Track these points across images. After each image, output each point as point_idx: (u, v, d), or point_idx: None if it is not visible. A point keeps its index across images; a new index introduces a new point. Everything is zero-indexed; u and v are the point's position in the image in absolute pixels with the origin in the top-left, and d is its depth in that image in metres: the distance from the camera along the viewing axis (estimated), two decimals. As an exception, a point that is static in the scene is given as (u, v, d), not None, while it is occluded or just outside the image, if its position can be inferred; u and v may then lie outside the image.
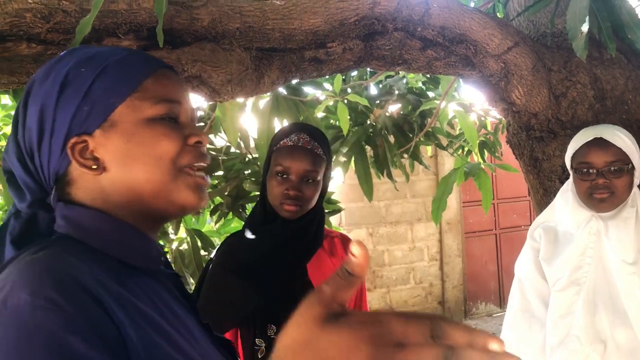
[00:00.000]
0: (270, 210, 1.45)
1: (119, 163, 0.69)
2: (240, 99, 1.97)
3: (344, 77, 2.53)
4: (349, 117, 2.41)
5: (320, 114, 2.38)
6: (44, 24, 1.15)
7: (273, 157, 1.46)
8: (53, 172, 0.70)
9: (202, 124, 2.24)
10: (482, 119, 3.05)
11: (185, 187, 0.72)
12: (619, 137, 1.52)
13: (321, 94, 2.40)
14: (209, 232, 2.45)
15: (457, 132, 3.10)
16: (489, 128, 3.13)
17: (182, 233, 2.31)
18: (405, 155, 2.73)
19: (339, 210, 2.52)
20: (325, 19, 1.42)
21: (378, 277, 5.51)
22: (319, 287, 0.51)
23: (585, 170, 1.53)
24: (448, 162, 5.43)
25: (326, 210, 1.74)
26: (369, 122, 2.62)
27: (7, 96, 2.19)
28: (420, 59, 1.60)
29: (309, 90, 2.38)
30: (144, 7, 1.22)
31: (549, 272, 1.61)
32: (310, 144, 1.44)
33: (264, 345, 1.38)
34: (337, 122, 2.48)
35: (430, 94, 2.81)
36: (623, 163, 1.51)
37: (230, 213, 2.34)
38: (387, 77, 2.76)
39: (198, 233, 2.25)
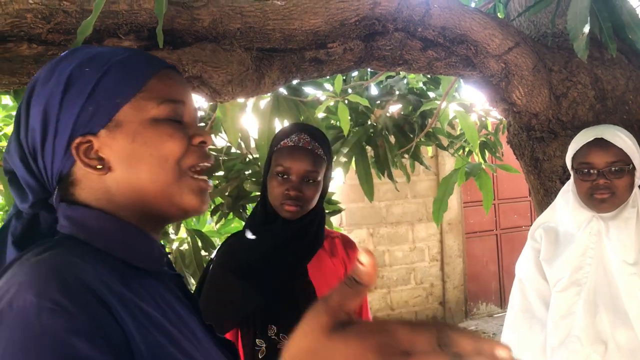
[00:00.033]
0: (271, 211, 1.45)
1: (124, 163, 0.69)
2: (240, 100, 1.97)
3: (344, 78, 2.53)
4: (349, 118, 2.41)
5: (320, 115, 2.38)
6: (44, 25, 1.16)
7: (274, 157, 1.46)
8: (56, 172, 0.69)
9: (202, 124, 2.24)
10: (483, 119, 3.05)
11: (189, 191, 0.72)
12: (620, 138, 1.52)
13: (322, 95, 2.40)
14: (210, 232, 2.46)
15: (458, 133, 3.10)
16: (489, 128, 3.13)
17: (183, 233, 2.32)
18: (406, 156, 2.73)
19: (339, 211, 2.52)
20: (325, 20, 1.42)
21: (379, 278, 5.51)
22: (326, 295, 0.51)
23: (586, 170, 1.53)
24: (449, 163, 5.43)
25: (326, 211, 1.74)
26: (369, 122, 2.62)
27: (7, 97, 2.19)
28: (421, 60, 1.60)
29: (309, 90, 2.38)
30: (144, 7, 1.22)
31: (549, 273, 1.61)
32: (311, 144, 1.44)
33: (264, 345, 1.38)
34: (338, 123, 2.48)
35: (431, 94, 2.81)
36: (624, 163, 1.51)
37: (231, 213, 2.34)
38: (388, 77, 2.76)
39: (198, 233, 2.25)
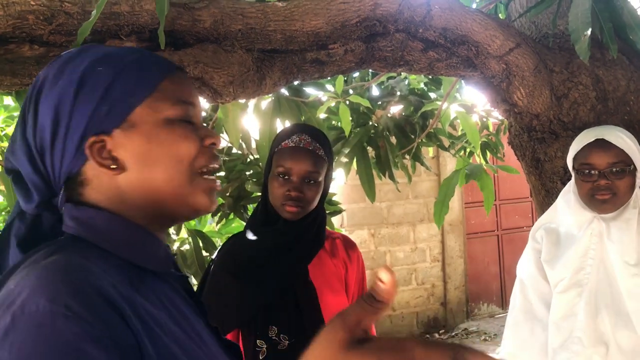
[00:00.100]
0: (272, 211, 1.45)
1: (138, 163, 0.69)
2: (242, 100, 1.97)
3: (345, 78, 2.53)
4: (350, 118, 2.41)
5: (322, 115, 2.38)
6: (46, 26, 1.16)
7: (274, 158, 1.46)
8: (65, 171, 0.68)
9: (204, 124, 2.23)
10: (484, 120, 3.05)
11: (201, 191, 0.72)
12: (621, 138, 1.52)
13: (323, 95, 2.40)
14: (211, 232, 2.46)
15: (459, 133, 3.10)
16: (490, 129, 3.13)
17: (184, 233, 2.32)
18: (407, 156, 2.73)
19: (339, 211, 2.52)
20: (326, 21, 1.42)
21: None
22: (344, 311, 0.51)
23: (587, 171, 1.53)
24: (450, 163, 5.43)
25: (327, 211, 1.75)
26: (370, 123, 2.62)
27: (9, 97, 2.20)
28: (422, 60, 1.60)
29: (311, 91, 2.38)
30: (146, 9, 1.22)
31: (550, 274, 1.61)
32: (312, 145, 1.44)
33: (265, 346, 1.38)
34: (339, 123, 2.48)
35: (432, 95, 2.81)
36: (625, 164, 1.51)
37: (232, 214, 2.34)
38: (389, 78, 2.76)
39: (199, 233, 2.26)
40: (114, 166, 0.68)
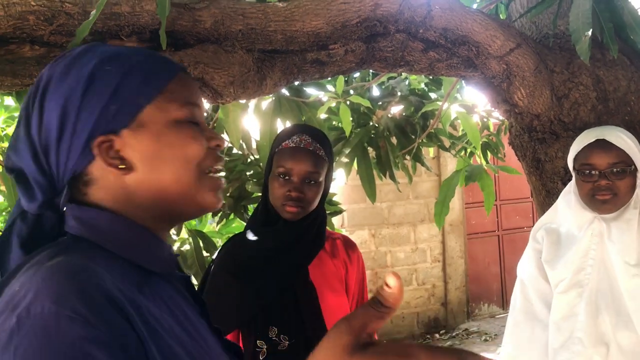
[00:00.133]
0: (272, 212, 1.45)
1: (147, 163, 0.69)
2: (242, 101, 1.97)
3: (346, 79, 2.53)
4: (351, 119, 2.41)
5: (322, 115, 2.38)
6: (47, 27, 1.16)
7: (275, 158, 1.46)
8: (70, 170, 0.68)
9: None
10: (485, 120, 3.05)
11: (208, 189, 0.73)
12: (622, 139, 1.52)
13: (323, 95, 2.40)
14: (211, 232, 2.46)
15: (460, 134, 3.10)
16: (491, 129, 3.13)
17: (184, 234, 2.32)
18: (408, 157, 2.73)
19: (340, 212, 2.52)
20: (327, 21, 1.42)
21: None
22: (349, 315, 0.51)
23: (588, 171, 1.53)
24: (451, 164, 5.43)
25: (327, 212, 1.75)
26: (371, 123, 2.62)
27: (10, 97, 2.20)
28: (422, 61, 1.60)
29: (311, 91, 2.38)
30: (146, 9, 1.22)
31: (551, 274, 1.61)
32: (312, 145, 1.44)
33: (265, 346, 1.38)
34: (340, 124, 2.48)
35: (433, 95, 2.81)
36: (625, 164, 1.51)
37: (232, 214, 2.34)
38: (390, 78, 2.76)
39: (200, 234, 2.26)
40: (122, 166, 0.68)
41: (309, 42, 1.44)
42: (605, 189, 1.51)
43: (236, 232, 1.65)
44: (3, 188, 2.04)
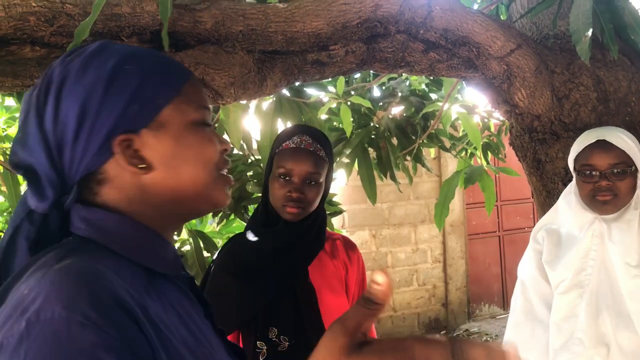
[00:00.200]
0: (272, 212, 1.46)
1: (166, 164, 0.69)
2: (243, 101, 1.97)
3: (346, 79, 2.53)
4: (352, 119, 2.41)
5: (323, 116, 2.38)
6: (47, 27, 1.16)
7: (275, 159, 1.46)
8: (84, 168, 0.67)
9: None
10: (486, 120, 3.05)
11: (221, 188, 0.75)
12: (622, 139, 1.52)
13: (324, 96, 2.40)
14: (211, 233, 2.46)
15: (460, 134, 3.10)
16: (492, 130, 3.13)
17: (184, 234, 2.32)
18: (408, 157, 2.73)
19: (340, 212, 2.52)
20: (327, 22, 1.42)
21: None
22: (342, 317, 0.51)
23: (588, 172, 1.53)
24: (451, 164, 5.43)
25: (327, 212, 1.75)
26: (372, 124, 2.62)
27: (9, 97, 2.20)
28: (423, 62, 1.60)
29: (312, 92, 2.38)
30: (147, 10, 1.22)
31: (551, 275, 1.61)
32: (313, 146, 1.44)
33: (265, 347, 1.38)
34: (340, 124, 2.48)
35: (433, 96, 2.81)
36: (626, 165, 1.51)
37: (233, 214, 2.34)
38: (390, 79, 2.76)
39: (200, 234, 2.25)
40: (142, 165, 0.68)
41: (309, 42, 1.44)
42: (606, 189, 1.51)
43: (236, 233, 1.65)
44: (4, 188, 2.03)
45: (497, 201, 5.60)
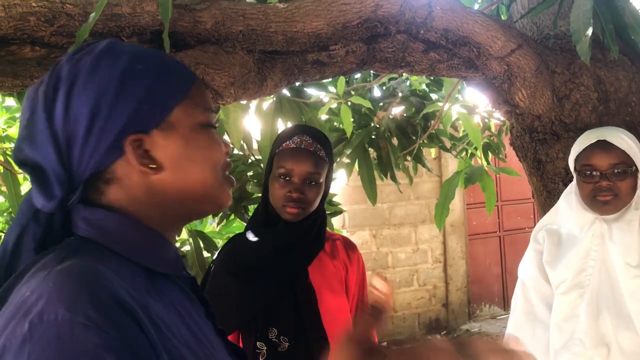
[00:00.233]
0: (272, 213, 1.45)
1: (175, 165, 0.70)
2: (243, 102, 1.97)
3: (347, 80, 2.53)
4: (352, 120, 2.41)
5: (323, 116, 2.38)
6: (47, 28, 1.16)
7: (275, 159, 1.46)
8: (93, 166, 0.66)
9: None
10: (486, 120, 3.05)
11: (226, 189, 0.76)
12: (623, 140, 1.52)
13: (324, 96, 2.40)
14: (211, 233, 2.46)
15: (461, 135, 3.09)
16: (492, 130, 3.13)
17: (184, 234, 2.32)
18: (409, 158, 2.73)
19: (340, 212, 2.52)
20: (327, 22, 1.42)
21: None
22: (349, 329, 0.52)
23: (589, 172, 1.53)
24: (452, 164, 5.43)
25: (327, 212, 1.75)
26: (372, 124, 2.62)
27: (10, 98, 2.20)
28: (423, 62, 1.60)
29: (312, 92, 2.38)
30: (147, 10, 1.22)
31: (552, 275, 1.61)
32: (313, 146, 1.44)
33: (265, 348, 1.38)
34: (341, 125, 2.48)
35: (434, 96, 2.81)
36: (627, 165, 1.51)
37: (233, 214, 2.34)
38: (391, 79, 2.76)
39: (200, 234, 2.25)
40: (153, 166, 0.68)
41: (309, 43, 1.44)
42: (606, 190, 1.50)
43: (236, 233, 1.65)
44: (4, 188, 2.03)
45: (497, 201, 5.60)
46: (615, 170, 1.50)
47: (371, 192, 2.45)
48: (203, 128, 0.73)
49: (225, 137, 2.16)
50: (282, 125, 2.17)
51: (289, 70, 1.46)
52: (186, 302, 0.72)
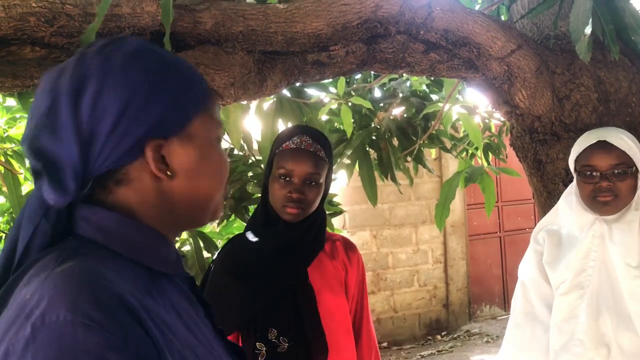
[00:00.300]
0: (272, 213, 1.45)
1: (188, 174, 0.70)
2: (243, 102, 1.97)
3: (347, 80, 2.53)
4: (352, 120, 2.41)
5: (324, 117, 2.38)
6: (47, 28, 1.16)
7: (275, 159, 1.46)
8: (109, 165, 0.66)
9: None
10: (486, 121, 3.04)
11: (222, 202, 0.78)
12: (623, 140, 1.52)
13: (325, 97, 2.40)
14: (211, 233, 2.46)
15: (461, 135, 3.09)
16: (493, 130, 3.12)
17: (184, 234, 2.32)
18: (409, 158, 2.73)
19: (340, 212, 2.52)
20: (327, 22, 1.42)
21: (382, 280, 5.51)
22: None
23: (589, 173, 1.53)
24: (452, 165, 5.43)
25: (327, 212, 1.75)
26: (372, 125, 2.62)
27: (11, 98, 2.20)
28: (423, 62, 1.60)
29: (312, 92, 2.38)
30: (147, 10, 1.22)
31: (552, 276, 1.61)
32: (313, 146, 1.44)
33: (264, 349, 1.37)
34: (341, 125, 2.48)
35: (434, 96, 2.80)
36: (627, 166, 1.51)
37: (233, 215, 2.34)
38: (391, 79, 2.76)
39: (200, 234, 2.25)
40: (169, 172, 0.69)
41: (309, 43, 1.44)
42: (607, 190, 1.50)
43: (236, 233, 1.65)
44: (4, 188, 2.03)
45: (498, 202, 5.61)
46: (616, 171, 1.50)
47: (371, 193, 2.45)
48: (216, 142, 0.75)
49: (226, 136, 2.16)
50: (283, 125, 2.17)
51: (289, 71, 1.46)
52: (185, 302, 0.72)
